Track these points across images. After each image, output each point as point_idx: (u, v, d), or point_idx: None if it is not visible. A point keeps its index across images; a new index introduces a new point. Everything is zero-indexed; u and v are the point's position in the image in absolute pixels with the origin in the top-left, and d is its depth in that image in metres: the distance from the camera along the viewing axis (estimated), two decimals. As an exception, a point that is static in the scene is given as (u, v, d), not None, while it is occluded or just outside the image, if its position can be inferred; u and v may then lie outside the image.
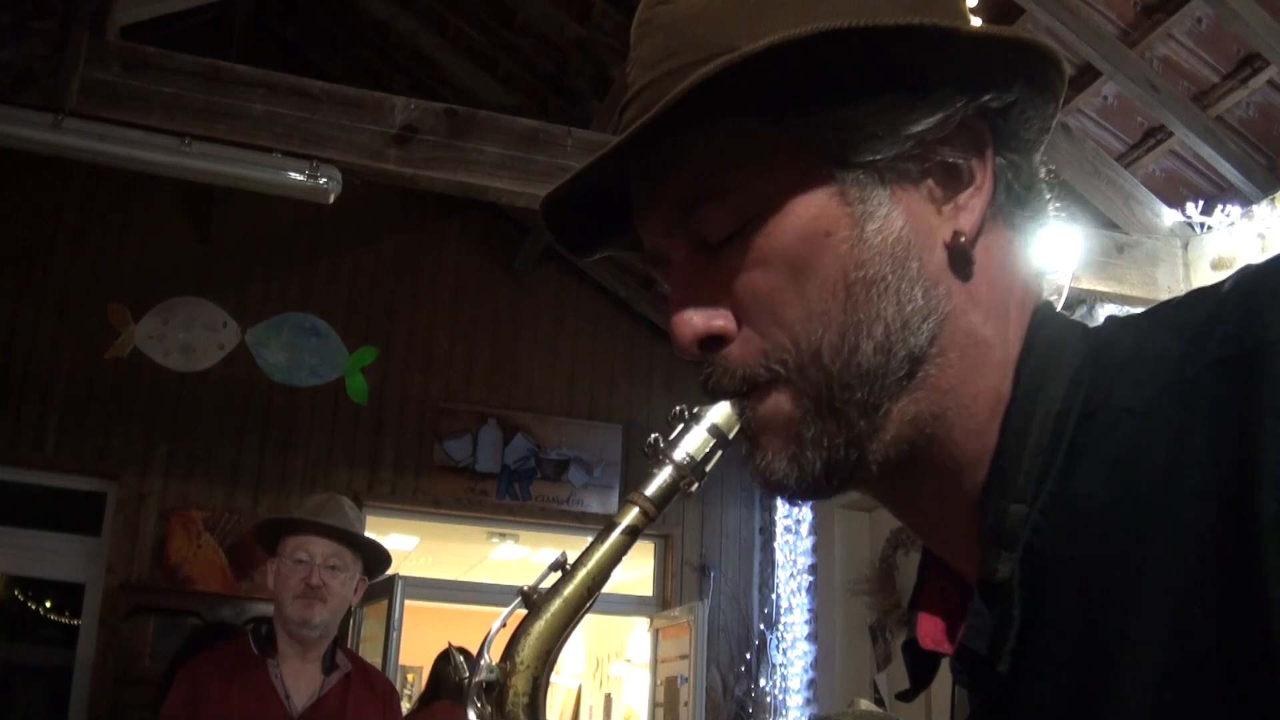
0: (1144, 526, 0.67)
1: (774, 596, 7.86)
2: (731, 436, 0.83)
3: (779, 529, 7.93)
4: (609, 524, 0.84)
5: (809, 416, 0.80)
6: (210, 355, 6.67)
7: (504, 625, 0.84)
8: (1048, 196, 0.86)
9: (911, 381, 0.79)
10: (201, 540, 6.98)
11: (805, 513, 7.70)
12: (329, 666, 3.44)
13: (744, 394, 0.82)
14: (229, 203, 6.96)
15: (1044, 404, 0.76)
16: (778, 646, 7.73)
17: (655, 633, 8.15)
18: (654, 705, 8.01)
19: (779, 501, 7.87)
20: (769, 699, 7.61)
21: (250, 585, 6.96)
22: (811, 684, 7.42)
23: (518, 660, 0.80)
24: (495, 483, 7.73)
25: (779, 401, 0.81)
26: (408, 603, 7.13)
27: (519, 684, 0.80)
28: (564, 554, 0.85)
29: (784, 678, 7.60)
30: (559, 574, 0.84)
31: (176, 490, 7.05)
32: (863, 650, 7.20)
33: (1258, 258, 4.32)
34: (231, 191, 7.29)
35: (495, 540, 9.23)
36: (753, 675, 7.78)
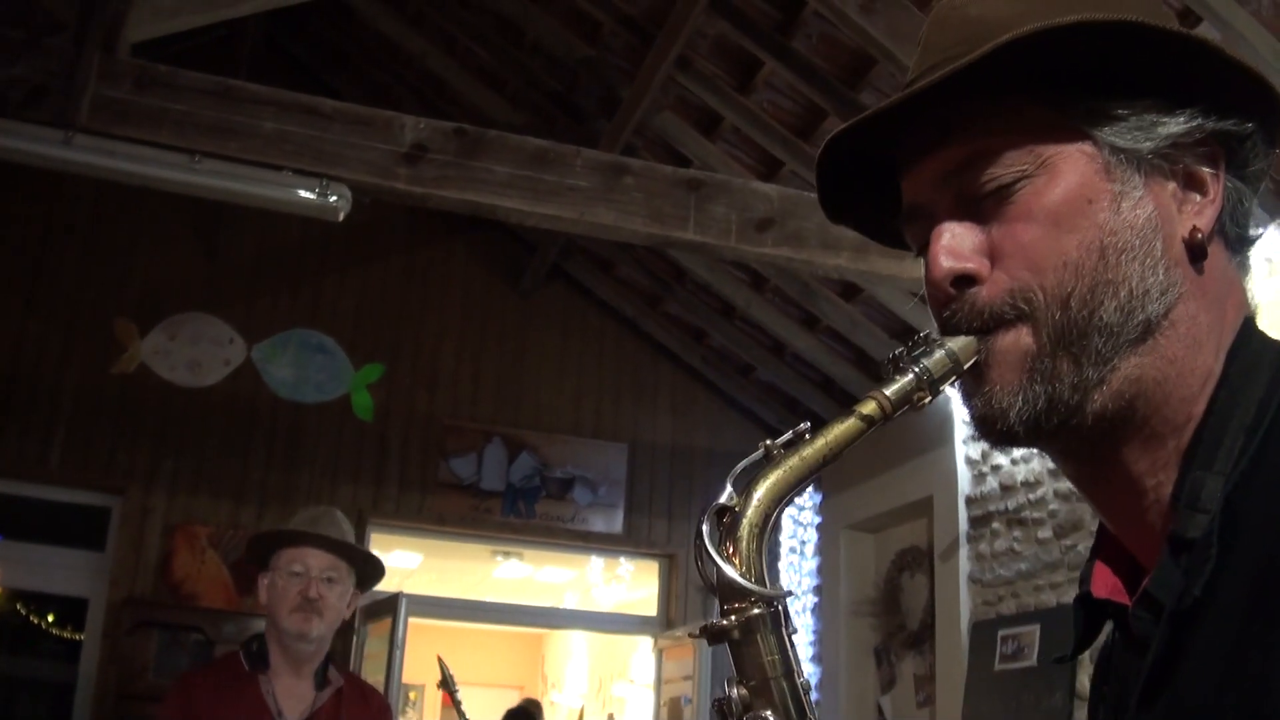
0: None
1: (778, 617, 7.83)
2: (967, 365, 0.92)
3: (784, 550, 7.91)
4: (849, 410, 0.95)
5: (1046, 351, 0.90)
6: (216, 371, 6.68)
7: (743, 469, 0.96)
8: (1258, 230, 0.99)
9: (1142, 345, 0.89)
10: (205, 556, 6.97)
11: (811, 534, 7.68)
12: (321, 682, 3.42)
13: (985, 331, 0.92)
14: (236, 219, 6.96)
15: (1251, 389, 0.87)
16: (782, 668, 7.69)
17: (659, 653, 8.13)
18: (657, 728, 8.00)
19: (786, 522, 7.86)
20: (773, 720, 7.58)
21: (254, 601, 6.91)
22: (816, 706, 7.39)
23: (754, 495, 0.92)
24: (500, 501, 7.72)
25: (1020, 335, 0.91)
26: (411, 620, 7.11)
27: (752, 515, 0.92)
28: (806, 422, 0.96)
29: (788, 699, 7.57)
30: (799, 438, 0.95)
31: (181, 506, 7.04)
32: (867, 672, 7.17)
33: (1265, 281, 4.31)
34: (239, 208, 7.31)
35: (499, 558, 9.22)
36: (757, 696, 7.74)
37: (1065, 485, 5.58)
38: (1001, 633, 5.78)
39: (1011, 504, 5.96)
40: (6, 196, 6.97)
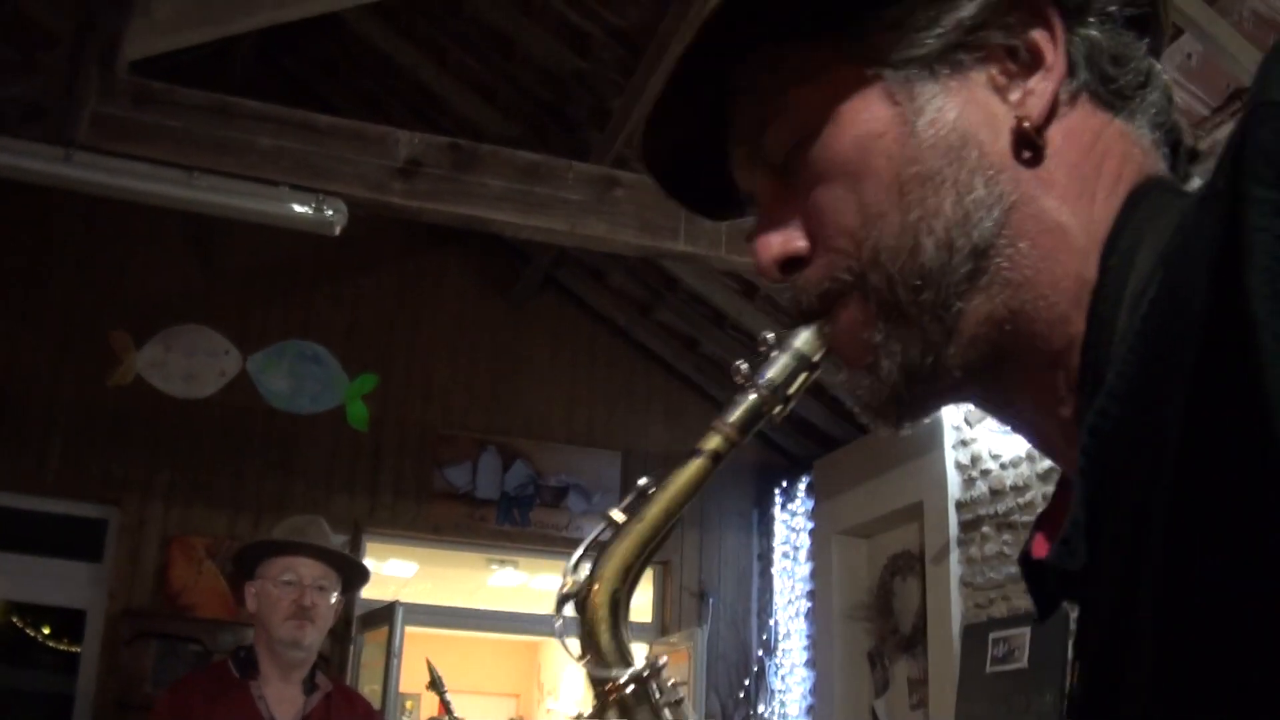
0: (1176, 347, 0.59)
1: (772, 623, 7.89)
2: (817, 359, 0.84)
3: (777, 555, 7.97)
4: (691, 450, 0.88)
5: (877, 322, 0.78)
6: (212, 382, 6.72)
7: (586, 548, 0.89)
8: (1148, 69, 0.80)
9: (982, 277, 0.75)
10: (203, 567, 7.01)
11: (803, 539, 7.73)
12: (310, 687, 3.49)
13: (825, 313, 0.81)
14: (230, 232, 7.00)
15: (1132, 286, 0.69)
16: (776, 673, 7.75)
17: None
18: (653, 731, 8.02)
19: (779, 528, 7.92)
20: (767, 725, 7.64)
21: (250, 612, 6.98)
22: (810, 710, 7.44)
23: (599, 574, 0.86)
24: (494, 509, 7.76)
25: (851, 312, 0.79)
26: (408, 629, 7.16)
27: (599, 596, 0.86)
28: (649, 478, 0.90)
29: (783, 704, 7.62)
30: (639, 497, 0.89)
31: (178, 517, 7.08)
32: (861, 676, 7.23)
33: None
34: (233, 221, 7.37)
35: (494, 566, 9.25)
36: (751, 701, 7.80)
37: (1052, 489, 5.63)
38: (993, 635, 5.84)
39: (1001, 508, 6.02)
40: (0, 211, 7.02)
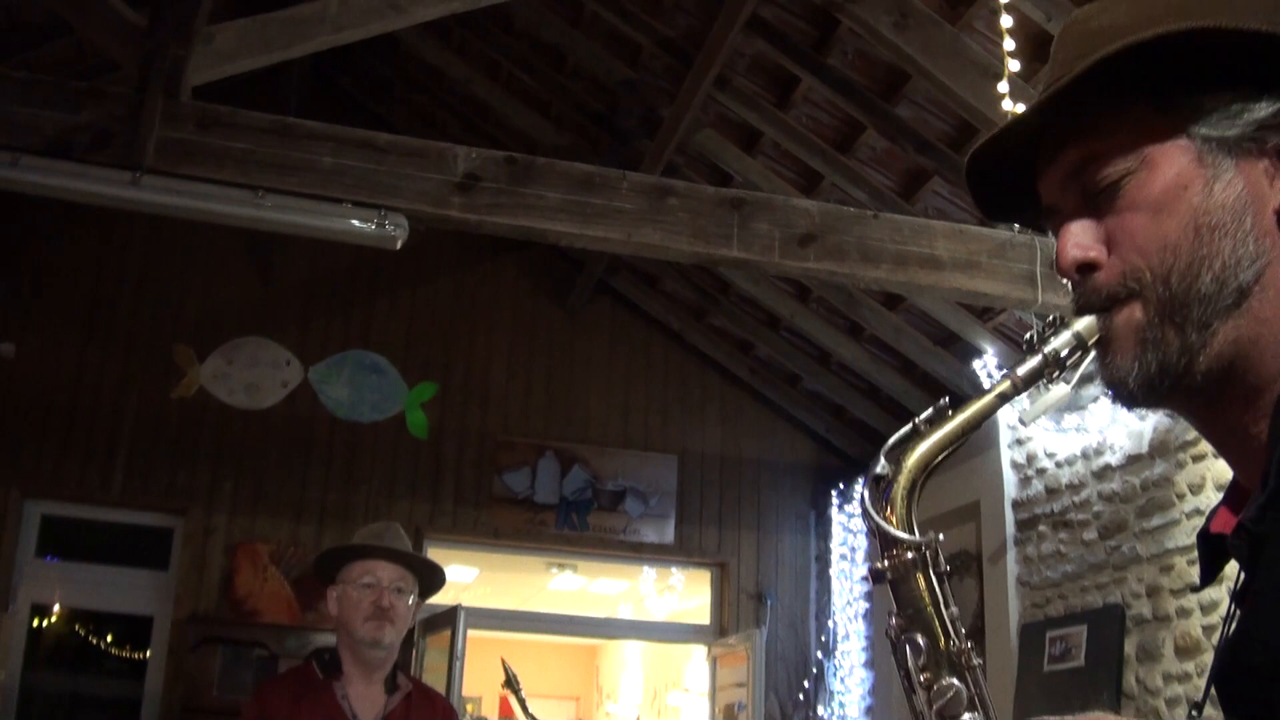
0: None
1: (831, 624, 7.92)
2: (1091, 343, 1.07)
3: (835, 557, 7.99)
4: (987, 389, 1.11)
5: (1154, 323, 1.02)
6: (274, 393, 6.86)
7: (892, 444, 1.11)
8: None
9: (1238, 309, 1.00)
10: (267, 573, 7.14)
11: (861, 540, 7.76)
12: (391, 687, 3.58)
13: (1105, 309, 1.06)
14: (290, 245, 7.13)
15: None
16: (835, 674, 7.78)
17: (713, 660, 8.23)
18: (713, 734, 8.09)
19: (837, 530, 7.94)
20: (827, 725, 7.67)
21: (315, 616, 7.11)
22: (869, 711, 7.46)
23: (904, 464, 1.08)
24: (554, 514, 7.84)
25: (1132, 311, 1.04)
26: (469, 633, 7.25)
27: (903, 480, 1.08)
28: (946, 399, 1.12)
29: (842, 705, 7.65)
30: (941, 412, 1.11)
31: (242, 524, 7.22)
32: (920, 676, 7.23)
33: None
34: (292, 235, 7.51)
35: (554, 570, 9.35)
36: (810, 703, 7.83)
37: (1109, 487, 5.65)
38: (1050, 634, 5.85)
39: (1057, 507, 6.03)
40: (64, 230, 7.18)
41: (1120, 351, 1.05)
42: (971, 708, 1.00)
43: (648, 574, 9.66)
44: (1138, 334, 1.03)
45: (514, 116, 7.11)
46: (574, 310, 8.13)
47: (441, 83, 7.30)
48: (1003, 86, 4.28)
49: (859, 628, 7.67)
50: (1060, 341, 1.07)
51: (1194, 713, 1.08)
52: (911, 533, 1.06)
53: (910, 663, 1.03)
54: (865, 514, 1.08)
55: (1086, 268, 1.06)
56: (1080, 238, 1.07)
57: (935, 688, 1.01)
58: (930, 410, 1.10)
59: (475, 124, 7.39)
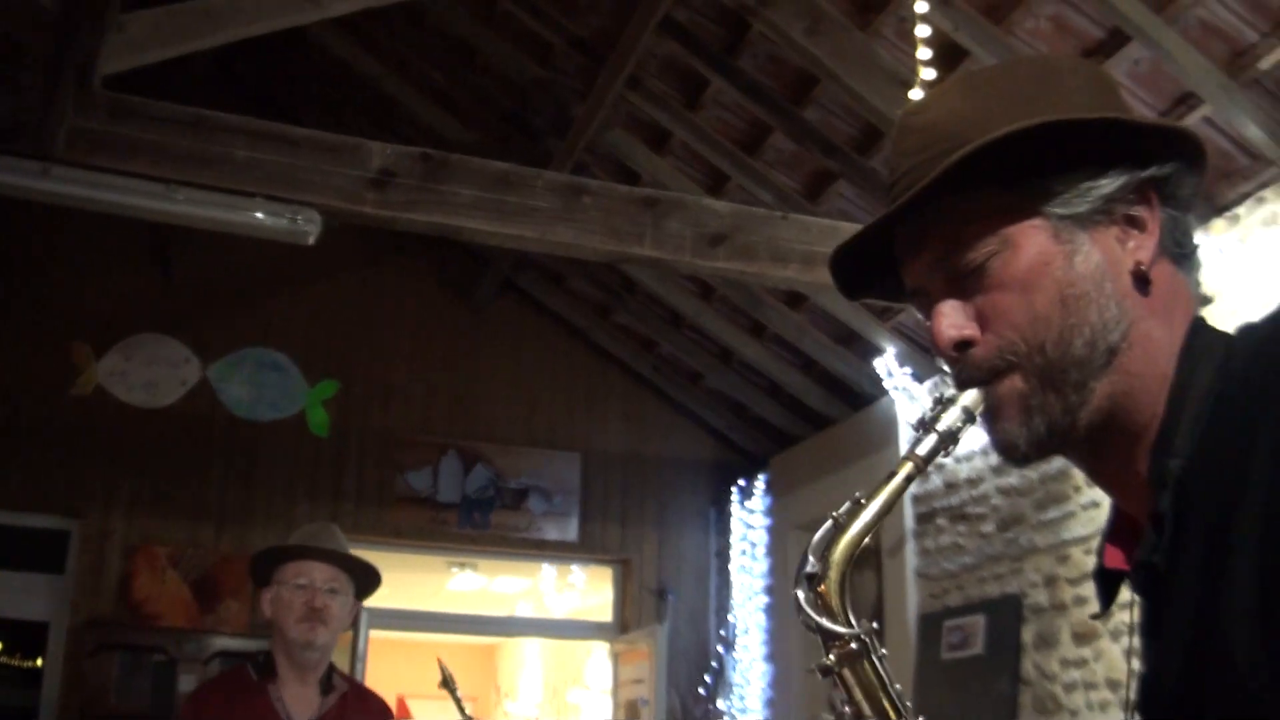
0: (1253, 432, 0.97)
1: (731, 619, 8.01)
2: (977, 414, 1.15)
3: (735, 552, 8.09)
4: (890, 474, 1.17)
5: (1036, 391, 1.12)
6: (173, 391, 6.74)
7: (816, 544, 1.16)
8: (1197, 245, 1.20)
9: (1110, 368, 1.11)
10: (166, 576, 7.02)
11: (761, 536, 7.86)
12: (326, 688, 3.56)
13: (986, 382, 1.14)
14: (190, 240, 7.02)
15: (1197, 386, 1.07)
16: (736, 668, 7.87)
17: (615, 657, 8.28)
18: (616, 730, 8.13)
19: (737, 526, 8.04)
20: (727, 719, 7.75)
21: (214, 619, 7.02)
22: (770, 703, 7.57)
23: (831, 560, 1.14)
24: (456, 512, 7.83)
25: (1014, 382, 1.13)
26: (370, 634, 7.21)
27: (833, 575, 1.14)
28: (859, 493, 1.17)
29: (742, 698, 7.75)
30: (856, 504, 1.17)
31: (140, 526, 7.09)
32: (821, 669, 7.35)
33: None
34: (192, 229, 7.38)
35: (455, 569, 9.32)
36: (712, 697, 7.91)
37: (1006, 481, 5.80)
38: (948, 623, 6.00)
39: (955, 500, 6.18)
40: (-43, 223, 7.00)
41: (1008, 419, 1.13)
42: None
43: (548, 572, 9.68)
44: (1022, 401, 1.12)
45: (423, 113, 7.08)
46: (479, 308, 8.12)
47: (350, 78, 7.24)
48: (916, 94, 4.38)
49: (759, 621, 7.77)
50: (951, 418, 1.15)
51: None
52: (850, 625, 1.13)
53: None
54: (802, 613, 1.14)
55: (964, 345, 1.14)
56: (954, 318, 1.15)
57: None
58: (846, 504, 1.16)
59: (383, 120, 7.34)
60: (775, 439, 7.98)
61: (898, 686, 1.13)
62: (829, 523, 1.15)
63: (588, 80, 5.85)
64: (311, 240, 4.04)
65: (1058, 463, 5.41)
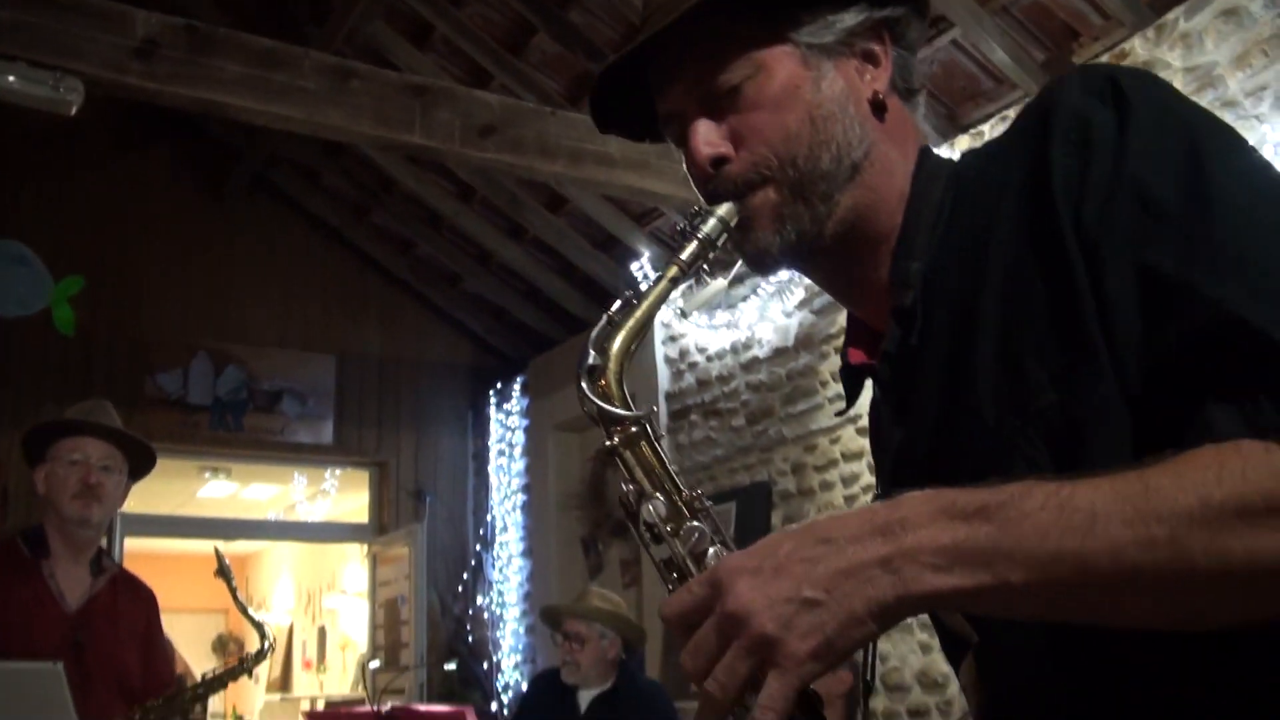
0: (987, 230, 1.12)
1: (489, 518, 8.16)
2: (733, 224, 1.24)
3: (493, 453, 8.23)
4: (659, 277, 1.24)
5: (788, 201, 1.23)
6: (-93, 284, 6.39)
7: (595, 337, 1.22)
8: (921, 84, 1.34)
9: (853, 182, 1.24)
10: (-95, 476, 6.70)
11: (519, 437, 8.02)
12: (97, 569, 3.55)
13: (740, 196, 1.24)
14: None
15: (930, 199, 1.23)
16: (494, 564, 8.04)
17: (373, 558, 8.32)
18: (374, 628, 8.20)
19: (495, 427, 8.16)
20: (486, 615, 7.92)
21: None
22: (527, 597, 7.78)
23: (610, 352, 1.20)
24: (208, 415, 7.69)
25: (767, 194, 1.24)
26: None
27: (612, 366, 1.20)
28: (631, 290, 1.24)
29: (500, 594, 7.93)
30: (629, 303, 1.23)
31: (-124, 427, 6.74)
32: (576, 561, 7.60)
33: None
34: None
35: (207, 475, 9.15)
36: (470, 593, 8.06)
37: (756, 378, 6.11)
38: (701, 513, 6.28)
39: (708, 397, 6.46)
40: None
41: (761, 228, 1.23)
42: (713, 542, 1.12)
43: (299, 481, 9.60)
44: (774, 211, 1.22)
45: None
46: (230, 205, 7.91)
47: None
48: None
49: (517, 519, 7.95)
50: (710, 227, 1.23)
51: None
52: (629, 409, 1.19)
53: (654, 518, 1.14)
54: (585, 400, 1.19)
55: (719, 161, 1.24)
56: (709, 136, 1.24)
57: (682, 533, 1.13)
58: (618, 302, 1.22)
59: None
60: (533, 342, 8.12)
61: (674, 467, 1.18)
62: (604, 320, 1.22)
63: (348, -34, 5.78)
64: (73, 110, 3.93)
65: (804, 359, 5.77)
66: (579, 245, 7.16)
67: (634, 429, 1.17)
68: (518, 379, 8.15)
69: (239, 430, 7.79)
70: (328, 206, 8.09)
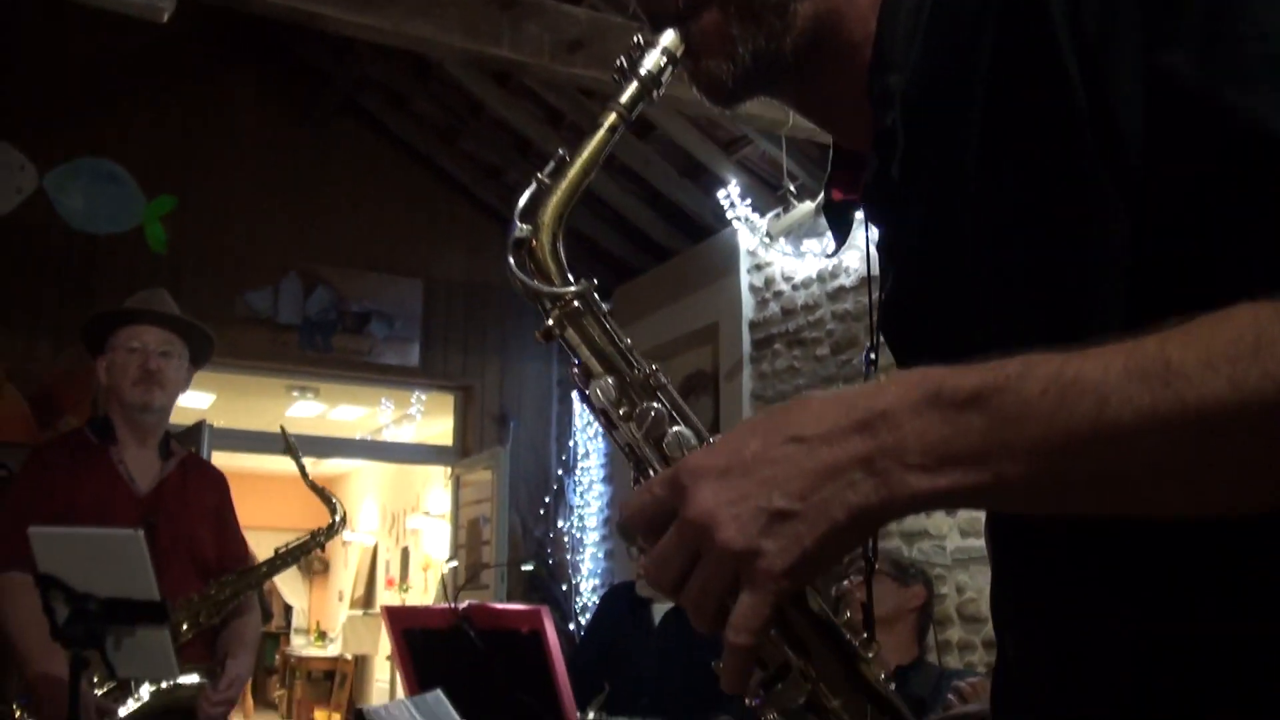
0: (973, 35, 0.94)
1: (571, 444, 8.21)
2: (679, 54, 1.10)
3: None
4: (594, 125, 1.11)
5: (734, 19, 1.07)
6: (8, 200, 6.52)
7: (523, 205, 1.11)
8: None
9: None
10: (4, 390, 6.88)
11: (602, 363, 8.03)
12: (165, 452, 3.62)
13: (683, 19, 1.09)
14: (29, 39, 6.76)
15: (907, 3, 1.03)
16: (575, 490, 8.10)
17: (456, 479, 8.43)
18: (455, 548, 8.32)
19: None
20: (566, 538, 7.99)
21: (54, 434, 6.91)
22: (607, 522, 7.83)
23: (539, 222, 1.09)
24: (297, 334, 7.79)
25: (711, 16, 1.08)
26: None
27: (544, 237, 1.09)
28: (562, 151, 1.11)
29: (581, 519, 7.99)
30: (560, 163, 1.11)
31: (-26, 342, 6.92)
32: (658, 489, 7.61)
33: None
34: (31, 28, 7.08)
35: (295, 394, 9.30)
36: (551, 517, 8.14)
37: (842, 307, 6.06)
38: (783, 440, 6.25)
39: (792, 326, 6.42)
40: None
41: (711, 54, 1.08)
42: (674, 422, 1.01)
43: (385, 404, 9.73)
44: (722, 33, 1.06)
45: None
46: (319, 127, 7.98)
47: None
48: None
49: (598, 446, 7.98)
50: (651, 61, 1.09)
51: (871, 356, 1.16)
52: (567, 284, 1.07)
53: (606, 402, 1.04)
54: (514, 278, 1.08)
55: None
56: None
57: (637, 414, 1.02)
58: (550, 164, 1.10)
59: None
60: (618, 270, 8.11)
61: (627, 340, 1.07)
62: (533, 185, 1.10)
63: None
64: (165, 17, 3.98)
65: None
66: (665, 173, 7.11)
67: (575, 304, 1.07)
68: (603, 306, 8.14)
69: (327, 350, 7.89)
70: (416, 131, 8.12)
